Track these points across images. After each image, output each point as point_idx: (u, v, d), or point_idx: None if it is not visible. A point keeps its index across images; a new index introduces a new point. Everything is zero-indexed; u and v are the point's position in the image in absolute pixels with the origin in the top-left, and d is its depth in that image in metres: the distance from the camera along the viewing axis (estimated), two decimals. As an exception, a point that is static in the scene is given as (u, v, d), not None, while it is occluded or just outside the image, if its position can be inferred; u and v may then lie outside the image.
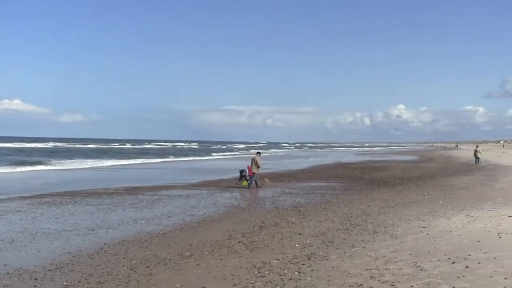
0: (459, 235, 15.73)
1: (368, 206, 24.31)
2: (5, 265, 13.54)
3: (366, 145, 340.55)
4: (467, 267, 11.77)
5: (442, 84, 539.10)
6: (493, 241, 14.39)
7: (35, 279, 12.16)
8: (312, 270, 12.54)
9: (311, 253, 14.39)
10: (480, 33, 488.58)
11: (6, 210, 23.15)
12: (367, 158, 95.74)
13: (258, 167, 35.32)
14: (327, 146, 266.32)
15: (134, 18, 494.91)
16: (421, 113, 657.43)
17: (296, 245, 15.62)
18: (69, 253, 14.99)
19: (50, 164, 62.91)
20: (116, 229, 18.91)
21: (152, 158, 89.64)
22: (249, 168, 36.71)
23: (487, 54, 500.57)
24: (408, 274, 11.66)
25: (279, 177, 39.71)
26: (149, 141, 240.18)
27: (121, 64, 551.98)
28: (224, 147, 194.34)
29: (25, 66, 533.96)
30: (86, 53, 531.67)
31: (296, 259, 13.73)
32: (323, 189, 33.17)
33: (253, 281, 11.74)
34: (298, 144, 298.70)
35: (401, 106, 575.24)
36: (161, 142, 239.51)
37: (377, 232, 17.32)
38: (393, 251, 14.14)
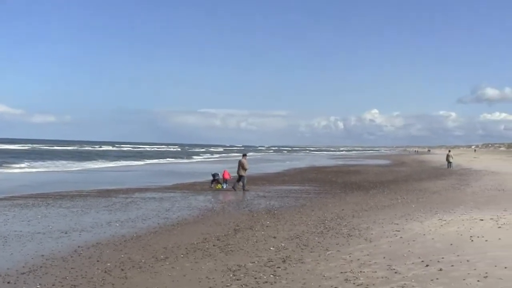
0: (433, 239, 15.84)
1: (342, 209, 24.41)
2: (-22, 268, 13.44)
3: (341, 149, 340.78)
4: (440, 270, 11.86)
5: (415, 89, 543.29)
6: (465, 244, 14.50)
7: (8, 283, 12.06)
8: (287, 273, 12.57)
9: (286, 256, 14.42)
10: (453, 40, 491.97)
11: (-22, 213, 22.96)
12: (340, 162, 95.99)
13: (245, 169, 35.48)
14: (301, 150, 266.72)
15: (111, 18, 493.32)
16: (394, 118, 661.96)
17: (271, 248, 15.66)
18: (42, 256, 14.88)
19: (22, 166, 62.48)
20: (90, 232, 18.81)
21: (126, 160, 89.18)
22: (225, 173, 36.87)
23: (460, 60, 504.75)
24: (382, 277, 11.72)
25: (253, 181, 39.71)
26: (124, 143, 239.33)
27: (95, 65, 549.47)
28: (203, 150, 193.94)
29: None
30: (60, 53, 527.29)
31: (271, 262, 13.76)
32: (297, 193, 33.24)
33: (228, 284, 11.76)
34: (275, 148, 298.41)
35: (375, 111, 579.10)
36: (135, 144, 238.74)
37: (351, 236, 17.41)
38: (368, 254, 14.21)
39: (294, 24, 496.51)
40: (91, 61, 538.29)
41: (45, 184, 38.65)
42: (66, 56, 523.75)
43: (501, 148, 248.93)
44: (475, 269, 11.61)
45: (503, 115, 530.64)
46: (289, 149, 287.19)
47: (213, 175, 37.09)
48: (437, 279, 11.20)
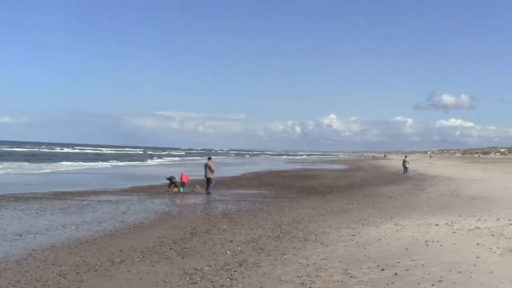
0: (388, 243, 15.97)
1: (299, 214, 24.49)
2: None
3: (299, 153, 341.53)
4: (396, 274, 11.97)
5: (372, 95, 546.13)
6: (420, 249, 14.65)
7: (-39, 285, 11.92)
8: (244, 277, 12.59)
9: (243, 260, 14.44)
10: (410, 47, 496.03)
11: None
12: (298, 167, 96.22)
13: (212, 171, 35.86)
14: (258, 154, 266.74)
15: (70, 17, 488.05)
16: (352, 123, 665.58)
17: (228, 252, 15.66)
18: (-3, 258, 14.74)
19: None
20: (44, 235, 18.64)
21: (83, 162, 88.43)
22: (183, 176, 36.85)
23: (417, 67, 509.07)
24: (338, 281, 11.79)
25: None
26: (81, 145, 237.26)
27: (53, 65, 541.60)
28: (160, 153, 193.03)
29: None
30: (16, 52, 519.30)
31: (227, 266, 13.76)
32: (254, 197, 33.28)
33: (185, 288, 11.75)
34: (234, 152, 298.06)
35: (332, 116, 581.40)
36: (93, 146, 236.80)
37: (307, 240, 17.47)
38: (324, 259, 14.27)
39: (252, 28, 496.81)
40: (48, 61, 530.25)
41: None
42: (22, 56, 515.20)
43: (457, 154, 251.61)
44: (429, 274, 11.74)
45: (459, 121, 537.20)
46: (247, 153, 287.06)
47: (169, 179, 37.02)
48: (392, 283, 11.30)
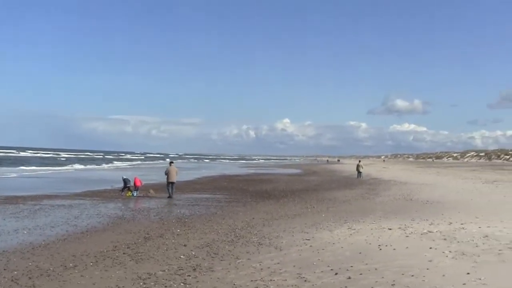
0: (342, 247, 16.04)
1: (253, 218, 24.51)
2: None
3: (254, 157, 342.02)
4: (349, 278, 12.03)
5: (326, 99, 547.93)
6: (374, 253, 14.74)
7: None
8: (197, 282, 12.57)
9: (197, 265, 14.41)
10: (363, 52, 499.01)
11: None
12: (252, 171, 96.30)
13: (176, 175, 36.21)
14: (212, 158, 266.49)
15: (21, 19, 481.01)
16: (306, 127, 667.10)
17: (182, 257, 15.62)
18: None
19: None
20: (-4, 240, 18.43)
21: (35, 166, 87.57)
22: (136, 180, 36.73)
23: (370, 71, 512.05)
24: (292, 285, 11.82)
25: (164, 188, 39.40)
26: (31, 149, 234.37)
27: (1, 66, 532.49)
28: (114, 156, 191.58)
29: None
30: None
31: (181, 271, 13.73)
32: (208, 201, 33.23)
33: (138, 292, 11.69)
34: (188, 156, 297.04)
35: (286, 120, 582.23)
36: (44, 150, 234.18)
37: (261, 244, 17.49)
38: (278, 263, 14.30)
39: (205, 32, 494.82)
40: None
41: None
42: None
43: (410, 159, 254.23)
44: (382, 277, 11.82)
45: (412, 126, 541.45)
46: (201, 157, 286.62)
47: (124, 180, 36.87)
48: (345, 287, 11.36)
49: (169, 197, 34.85)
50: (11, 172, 67.48)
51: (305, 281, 12.12)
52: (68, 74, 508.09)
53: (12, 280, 12.70)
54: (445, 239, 16.20)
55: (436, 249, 14.70)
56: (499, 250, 13.97)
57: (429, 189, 41.16)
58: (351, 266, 13.17)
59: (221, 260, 15.03)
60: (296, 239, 18.09)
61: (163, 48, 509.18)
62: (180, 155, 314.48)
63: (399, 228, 19.16)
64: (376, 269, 12.70)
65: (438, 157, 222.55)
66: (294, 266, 13.78)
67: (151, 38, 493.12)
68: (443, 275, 11.62)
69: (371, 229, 19.50)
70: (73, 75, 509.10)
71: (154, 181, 49.34)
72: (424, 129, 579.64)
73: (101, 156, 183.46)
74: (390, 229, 19.06)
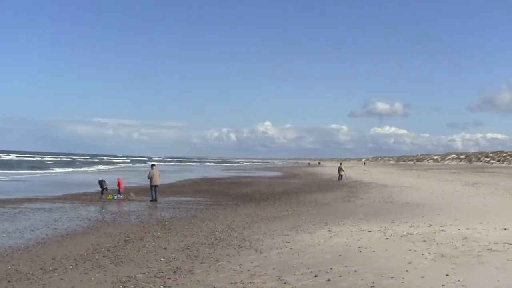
0: (322, 250, 16.08)
1: (233, 221, 24.51)
2: None
3: (234, 160, 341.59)
4: (329, 280, 12.06)
5: (307, 102, 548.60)
6: (353, 255, 14.77)
7: None
8: (177, 284, 12.56)
9: (177, 267, 14.40)
10: (344, 55, 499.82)
11: None
12: (233, 174, 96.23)
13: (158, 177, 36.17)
14: (193, 161, 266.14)
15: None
16: (287, 130, 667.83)
17: (162, 259, 15.61)
18: None
19: None
20: (-25, 243, 18.35)
21: (15, 169, 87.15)
22: (120, 183, 36.70)
23: (351, 75, 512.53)
24: (272, 288, 11.84)
25: (144, 191, 39.35)
26: (12, 152, 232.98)
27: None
28: (95, 160, 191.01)
29: None
30: None
31: (161, 273, 13.72)
32: (189, 204, 33.20)
33: (118, 296, 11.67)
34: (169, 159, 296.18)
35: (267, 123, 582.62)
36: (25, 153, 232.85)
37: (242, 247, 17.50)
38: (258, 265, 14.31)
39: (185, 34, 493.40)
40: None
41: None
42: None
43: (391, 161, 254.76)
44: (362, 279, 11.85)
45: (393, 129, 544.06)
46: (182, 160, 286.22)
47: (100, 183, 36.87)
48: (328, 289, 11.40)
49: (153, 200, 34.76)
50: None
51: (285, 283, 12.13)
52: (49, 77, 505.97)
53: (-9, 284, 12.65)
54: (424, 241, 16.27)
55: (415, 251, 14.76)
56: (478, 252, 14.05)
57: (409, 192, 41.32)
58: (331, 268, 13.20)
59: (201, 263, 15.03)
60: (276, 242, 18.12)
61: (142, 51, 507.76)
62: (162, 158, 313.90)
63: (379, 230, 19.23)
64: (355, 271, 12.73)
65: (418, 160, 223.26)
66: (274, 268, 13.79)
67: (130, 41, 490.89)
68: (422, 277, 11.67)
69: (351, 231, 19.56)
70: (54, 79, 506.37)
71: (134, 184, 49.28)
72: (405, 132, 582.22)
73: (83, 159, 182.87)
74: (370, 231, 19.12)
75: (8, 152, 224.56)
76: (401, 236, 17.63)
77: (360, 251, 15.34)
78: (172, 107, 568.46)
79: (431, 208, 27.93)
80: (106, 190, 36.48)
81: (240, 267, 14.25)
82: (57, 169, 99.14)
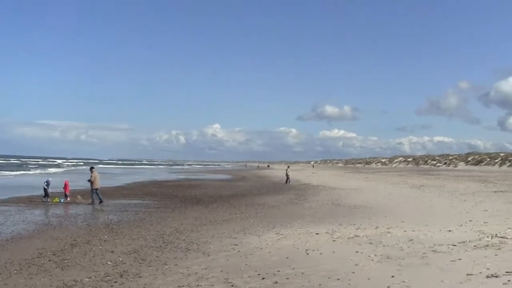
0: (269, 252, 16.12)
1: (181, 224, 24.43)
2: None
3: (184, 163, 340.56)
4: (276, 282, 12.09)
5: (257, 105, 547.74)
6: (301, 258, 14.85)
7: None
8: (124, 288, 12.48)
9: (124, 271, 14.31)
10: (293, 59, 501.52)
11: None
12: (182, 176, 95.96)
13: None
14: (142, 163, 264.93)
15: None
16: (236, 133, 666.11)
17: (109, 263, 15.50)
18: None
19: None
20: None
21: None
22: (66, 185, 36.38)
23: (300, 78, 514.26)
24: (219, 291, 11.83)
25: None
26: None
27: None
28: (42, 162, 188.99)
29: None
30: None
31: (108, 277, 13.61)
32: (137, 207, 33.01)
33: (63, 300, 11.55)
34: (117, 161, 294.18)
35: (217, 125, 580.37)
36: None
37: (189, 250, 17.46)
38: (205, 268, 14.29)
39: (133, 36, 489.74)
40: None
41: None
42: None
43: (339, 164, 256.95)
44: (309, 282, 11.91)
45: (342, 132, 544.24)
46: (131, 162, 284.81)
47: (44, 185, 36.54)
48: (272, 291, 11.41)
49: (100, 202, 34.46)
50: None
51: (232, 286, 12.14)
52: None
53: None
54: (371, 243, 16.42)
55: (362, 253, 14.90)
56: (423, 253, 14.23)
57: (357, 194, 41.65)
58: (278, 271, 13.25)
59: (149, 266, 14.96)
60: (224, 245, 18.12)
61: (89, 51, 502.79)
62: (112, 160, 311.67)
63: (327, 232, 19.35)
64: (303, 273, 12.80)
65: (367, 163, 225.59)
66: (221, 271, 13.79)
67: (76, 41, 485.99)
68: (368, 279, 11.77)
69: (299, 234, 19.65)
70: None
71: (81, 187, 48.73)
72: (354, 135, 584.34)
73: (33, 162, 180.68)
74: (318, 233, 19.24)
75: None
76: (348, 238, 17.78)
77: (308, 254, 15.43)
78: (121, 109, 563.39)
79: (378, 210, 28.20)
80: (47, 193, 36.10)
81: (187, 270, 14.22)
82: (4, 172, 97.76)
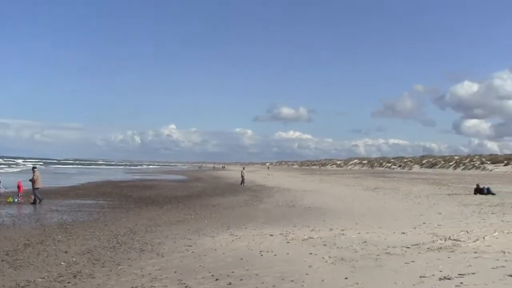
0: (223, 253, 16.17)
1: (136, 224, 24.35)
2: None
3: (139, 164, 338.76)
4: (230, 283, 12.13)
5: (212, 106, 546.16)
6: (255, 259, 14.92)
7: None
8: (77, 289, 12.43)
9: (77, 271, 14.23)
10: (250, 59, 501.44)
11: None
12: (136, 177, 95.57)
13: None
14: (97, 164, 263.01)
15: None
16: (191, 134, 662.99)
17: (62, 263, 15.39)
18: None
19: None
20: None
21: None
22: (20, 185, 36.08)
23: (256, 79, 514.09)
24: (173, 292, 11.84)
25: (46, 194, 38.64)
26: None
27: None
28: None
29: None
30: None
31: (61, 278, 13.53)
32: (91, 207, 32.81)
33: (15, 300, 11.47)
34: (72, 161, 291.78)
35: (172, 126, 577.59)
36: None
37: (143, 250, 17.43)
38: (159, 269, 14.29)
39: (91, 37, 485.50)
40: None
41: None
42: None
43: (294, 166, 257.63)
44: (263, 283, 11.97)
45: (297, 133, 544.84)
46: (86, 162, 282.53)
47: None
48: (226, 292, 11.46)
49: (40, 201, 34.17)
50: None
51: (185, 287, 12.15)
52: None
53: None
54: (325, 245, 16.56)
55: (316, 254, 15.01)
56: (377, 255, 14.39)
57: (311, 196, 41.88)
58: (232, 272, 13.29)
59: (102, 267, 14.90)
60: (178, 246, 18.12)
61: (42, 50, 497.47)
62: (68, 160, 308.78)
63: (281, 234, 19.46)
64: (256, 274, 12.86)
65: (322, 165, 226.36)
66: (175, 272, 13.79)
67: (30, 39, 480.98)
68: (322, 280, 11.87)
69: (253, 235, 19.73)
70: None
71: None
72: (309, 136, 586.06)
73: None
74: (272, 235, 19.34)
75: None
76: (302, 240, 17.90)
77: (262, 255, 15.50)
78: (75, 108, 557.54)
79: (333, 212, 28.41)
80: None
81: (141, 270, 14.20)
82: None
